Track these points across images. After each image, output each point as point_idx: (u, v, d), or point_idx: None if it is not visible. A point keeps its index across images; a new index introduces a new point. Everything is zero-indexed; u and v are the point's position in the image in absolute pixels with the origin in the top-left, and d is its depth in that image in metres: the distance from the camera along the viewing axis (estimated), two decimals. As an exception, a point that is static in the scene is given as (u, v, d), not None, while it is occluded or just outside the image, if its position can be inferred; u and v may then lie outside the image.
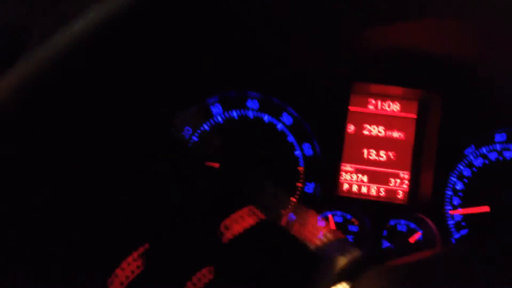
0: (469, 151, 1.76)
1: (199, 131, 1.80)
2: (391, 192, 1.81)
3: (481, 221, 1.74)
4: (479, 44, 1.55)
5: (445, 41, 1.58)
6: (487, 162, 1.76)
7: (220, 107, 1.80)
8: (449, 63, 1.67)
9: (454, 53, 1.63)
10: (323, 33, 1.64)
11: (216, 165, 1.78)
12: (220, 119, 1.80)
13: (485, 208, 1.72)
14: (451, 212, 1.75)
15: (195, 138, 1.80)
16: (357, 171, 1.82)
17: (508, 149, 1.75)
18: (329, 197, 1.76)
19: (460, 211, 1.74)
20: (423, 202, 1.73)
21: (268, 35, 1.66)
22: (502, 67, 1.63)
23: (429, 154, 1.73)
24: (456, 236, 1.75)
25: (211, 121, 1.80)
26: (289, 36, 1.67)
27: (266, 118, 1.80)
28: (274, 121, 1.80)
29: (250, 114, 1.80)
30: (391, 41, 1.63)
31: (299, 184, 1.79)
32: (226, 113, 1.80)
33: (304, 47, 1.74)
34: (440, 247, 1.69)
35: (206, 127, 1.80)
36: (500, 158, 1.75)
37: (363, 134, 1.82)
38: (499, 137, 1.75)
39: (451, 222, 1.75)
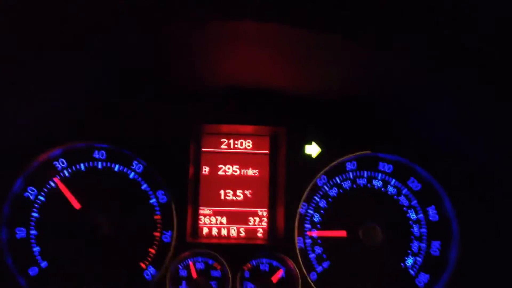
0: (322, 182, 1.75)
1: (45, 190, 1.70)
2: (251, 232, 1.77)
3: (340, 251, 1.72)
4: (319, 79, 1.56)
5: (284, 76, 1.58)
6: (341, 191, 1.76)
7: (65, 161, 1.71)
8: (291, 99, 1.67)
9: (296, 88, 1.64)
10: (167, 78, 1.61)
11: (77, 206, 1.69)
12: (67, 173, 1.71)
13: (342, 233, 1.71)
14: (308, 233, 1.73)
15: (42, 198, 1.69)
16: (216, 213, 1.77)
17: (361, 177, 1.76)
18: (187, 243, 1.70)
19: (317, 232, 1.73)
20: (281, 239, 1.70)
21: (114, 86, 1.62)
22: (342, 99, 1.65)
23: (282, 189, 1.71)
24: (319, 269, 1.72)
25: (57, 176, 1.70)
26: (132, 85, 1.62)
27: (116, 167, 1.73)
28: (125, 170, 1.73)
29: (99, 165, 1.73)
30: (234, 80, 1.61)
31: (157, 234, 1.71)
32: (73, 167, 1.71)
33: (150, 94, 1.70)
34: (300, 284, 1.66)
35: (52, 184, 1.70)
36: (354, 185, 1.76)
37: (218, 174, 1.78)
38: (350, 165, 1.76)
39: (311, 255, 1.73)
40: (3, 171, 1.62)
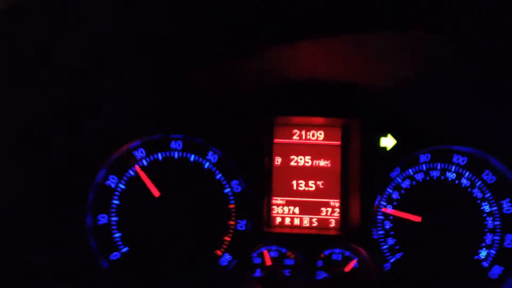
0: (395, 174, 1.76)
1: (125, 178, 1.76)
2: (324, 222, 1.80)
3: (414, 243, 1.73)
4: (392, 73, 1.56)
5: (361, 71, 1.59)
6: (414, 183, 1.76)
7: (144, 151, 1.77)
8: (366, 91, 1.67)
9: (368, 81, 1.64)
10: (242, 72, 1.63)
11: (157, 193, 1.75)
12: (145, 162, 1.77)
13: (417, 218, 1.72)
14: (383, 209, 1.74)
15: (122, 186, 1.76)
16: (288, 203, 1.81)
17: (434, 169, 1.76)
18: (263, 233, 1.74)
19: (393, 211, 1.74)
20: (354, 230, 1.72)
21: (185, 76, 1.66)
22: (417, 93, 1.64)
23: (355, 180, 1.73)
24: (391, 260, 1.74)
25: (137, 164, 1.77)
26: (207, 75, 1.66)
27: (191, 157, 1.78)
28: (200, 159, 1.78)
29: (175, 155, 1.78)
30: (307, 72, 1.63)
31: (231, 222, 1.76)
32: (151, 156, 1.77)
33: (224, 85, 1.73)
34: (375, 273, 1.68)
35: (131, 172, 1.77)
36: (427, 178, 1.76)
37: (290, 165, 1.81)
38: (423, 157, 1.76)
39: (384, 246, 1.75)
40: (88, 162, 1.69)
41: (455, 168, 1.76)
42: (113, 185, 1.75)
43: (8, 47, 1.21)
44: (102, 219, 1.74)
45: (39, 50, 1.27)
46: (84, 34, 1.28)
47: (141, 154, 1.77)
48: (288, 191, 1.81)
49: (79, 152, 1.67)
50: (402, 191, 1.76)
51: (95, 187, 1.72)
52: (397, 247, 1.74)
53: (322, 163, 1.81)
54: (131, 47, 1.42)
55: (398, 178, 1.76)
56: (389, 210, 1.74)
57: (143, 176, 1.74)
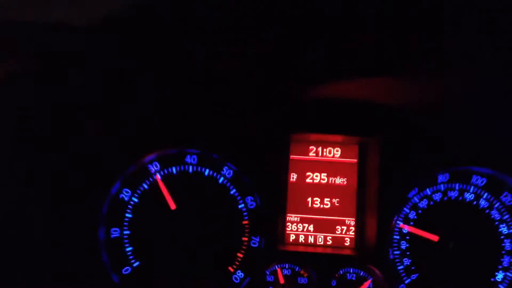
0: (413, 193, 1.73)
1: (138, 192, 1.74)
2: (338, 240, 1.78)
3: (430, 264, 1.71)
4: (411, 92, 1.54)
5: (379, 90, 1.57)
6: (431, 203, 1.73)
7: (158, 165, 1.75)
8: (384, 109, 1.66)
9: (388, 100, 1.62)
10: (260, 87, 1.62)
11: (173, 206, 1.73)
12: (159, 176, 1.75)
13: (434, 237, 1.69)
14: (401, 225, 1.72)
15: (135, 200, 1.74)
16: (303, 220, 1.79)
17: (452, 189, 1.74)
18: (276, 250, 1.72)
19: (411, 228, 1.71)
20: (370, 249, 1.70)
21: (202, 91, 1.64)
22: (436, 112, 1.62)
23: (372, 199, 1.70)
24: (407, 281, 1.71)
25: (150, 179, 1.75)
26: (225, 92, 1.64)
27: (206, 172, 1.76)
28: (215, 174, 1.76)
29: (190, 169, 1.76)
30: (326, 91, 1.61)
31: (245, 239, 1.74)
32: (165, 170, 1.75)
33: (241, 103, 1.71)
34: (389, 295, 1.66)
35: (145, 186, 1.75)
36: (445, 198, 1.73)
37: (306, 182, 1.79)
38: (442, 177, 1.73)
39: (400, 267, 1.72)
40: (103, 175, 1.68)
41: (474, 189, 1.73)
42: (126, 198, 1.73)
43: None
44: (115, 232, 1.72)
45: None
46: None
47: (156, 168, 1.75)
48: (303, 208, 1.78)
49: (95, 165, 1.66)
50: (419, 211, 1.73)
51: (109, 200, 1.71)
52: (413, 267, 1.72)
53: (338, 180, 1.78)
54: (146, 59, 1.41)
55: (415, 198, 1.73)
56: (407, 227, 1.71)
57: (163, 187, 1.71)
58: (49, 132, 1.59)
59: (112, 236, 1.72)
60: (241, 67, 1.42)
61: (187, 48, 1.34)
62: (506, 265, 1.71)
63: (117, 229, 1.73)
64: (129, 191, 1.74)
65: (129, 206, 1.74)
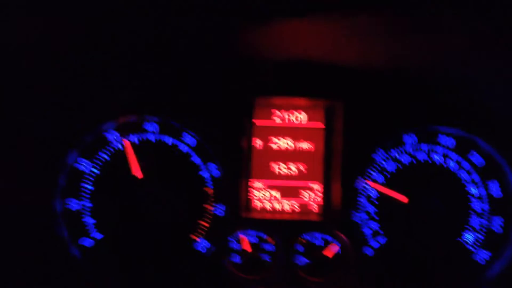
0: (380, 156, 1.69)
1: (99, 163, 1.69)
2: (305, 206, 1.74)
3: (398, 227, 1.68)
4: (377, 52, 1.49)
5: (345, 52, 1.51)
6: (399, 165, 1.69)
7: (117, 133, 1.70)
8: (350, 71, 1.60)
9: (353, 61, 1.57)
10: (217, 50, 1.56)
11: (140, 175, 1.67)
12: (119, 145, 1.70)
13: (404, 198, 1.65)
14: (371, 184, 1.67)
15: (95, 171, 1.69)
16: (268, 187, 1.74)
17: (420, 150, 1.70)
18: (241, 218, 1.68)
19: (380, 187, 1.67)
20: (336, 213, 1.66)
21: (163, 56, 1.58)
22: (402, 72, 1.57)
23: (337, 163, 1.66)
24: (375, 245, 1.68)
25: (109, 148, 1.69)
26: (184, 55, 1.58)
27: (168, 140, 1.71)
28: (177, 143, 1.70)
29: (152, 138, 1.71)
30: (290, 52, 1.55)
31: (208, 207, 1.69)
32: (126, 139, 1.70)
33: (202, 65, 1.65)
34: (356, 259, 1.63)
35: (106, 156, 1.69)
36: (413, 160, 1.70)
37: (271, 148, 1.74)
38: (408, 139, 1.69)
39: (367, 231, 1.69)
40: (58, 145, 1.62)
41: (442, 149, 1.69)
42: (86, 170, 1.68)
43: None
44: (76, 205, 1.67)
45: None
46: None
47: (115, 137, 1.69)
48: (269, 175, 1.74)
49: (49, 134, 1.60)
50: (388, 175, 1.69)
51: (67, 171, 1.65)
52: (381, 232, 1.68)
53: (304, 146, 1.74)
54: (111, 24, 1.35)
55: (381, 159, 1.69)
56: (376, 185, 1.67)
57: (130, 152, 1.66)
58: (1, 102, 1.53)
59: (73, 208, 1.67)
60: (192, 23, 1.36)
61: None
62: (476, 227, 1.68)
63: (77, 201, 1.68)
64: (89, 162, 1.68)
65: (90, 178, 1.69)
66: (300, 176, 1.74)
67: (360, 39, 1.43)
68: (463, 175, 1.68)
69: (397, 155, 1.70)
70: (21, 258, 1.55)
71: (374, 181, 1.69)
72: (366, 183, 1.68)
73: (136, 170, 1.66)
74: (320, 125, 1.74)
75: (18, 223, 1.56)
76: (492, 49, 1.37)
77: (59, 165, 1.63)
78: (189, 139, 1.70)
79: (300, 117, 1.74)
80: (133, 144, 1.70)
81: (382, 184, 1.69)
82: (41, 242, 1.60)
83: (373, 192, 1.69)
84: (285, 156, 1.74)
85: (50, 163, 1.61)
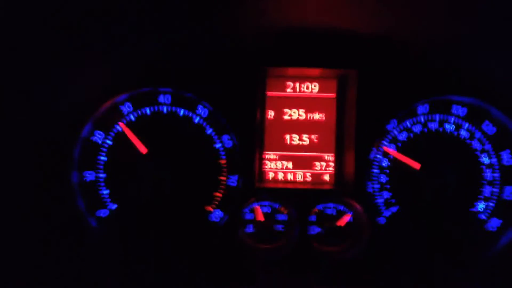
0: (392, 126, 1.70)
1: (112, 134, 1.70)
2: (318, 177, 1.75)
3: (410, 196, 1.69)
4: (390, 20, 1.47)
5: (356, 20, 1.50)
6: (411, 135, 1.70)
7: (131, 106, 1.70)
8: (362, 40, 1.59)
9: (366, 29, 1.55)
10: (229, 19, 1.54)
11: (144, 150, 1.68)
12: (132, 117, 1.70)
13: (417, 164, 1.66)
14: (385, 148, 1.69)
15: (109, 142, 1.70)
16: (281, 158, 1.75)
17: (432, 120, 1.70)
18: (255, 188, 1.69)
19: (394, 152, 1.68)
20: (349, 183, 1.67)
21: (173, 28, 1.57)
22: (416, 41, 1.56)
23: (350, 133, 1.67)
24: (387, 214, 1.70)
25: (123, 120, 1.70)
26: (195, 25, 1.57)
27: (181, 112, 1.71)
28: (190, 114, 1.71)
29: (164, 109, 1.71)
30: (301, 20, 1.54)
31: (222, 178, 1.71)
32: (138, 111, 1.70)
33: (214, 34, 1.64)
34: (370, 227, 1.65)
35: (119, 128, 1.70)
36: (425, 129, 1.70)
37: (283, 119, 1.75)
38: (421, 108, 1.69)
39: (380, 200, 1.70)
40: (72, 117, 1.62)
41: (454, 119, 1.69)
42: (99, 141, 1.69)
43: None
44: (90, 175, 1.69)
45: None
46: None
47: (128, 109, 1.70)
48: (281, 146, 1.75)
49: (63, 107, 1.60)
50: (399, 144, 1.70)
51: (81, 142, 1.66)
52: (393, 200, 1.70)
53: (316, 116, 1.74)
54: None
55: (395, 131, 1.70)
56: (390, 150, 1.68)
57: (128, 132, 1.67)
58: (15, 77, 1.52)
59: (87, 179, 1.69)
60: None
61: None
62: (487, 195, 1.69)
63: (91, 172, 1.69)
64: (102, 133, 1.69)
65: (103, 149, 1.70)
66: (313, 146, 1.75)
67: (372, 7, 1.41)
68: (475, 144, 1.69)
69: (409, 125, 1.70)
70: (40, 231, 1.57)
71: (386, 150, 1.70)
72: (379, 153, 1.69)
73: (140, 147, 1.67)
74: (332, 95, 1.73)
75: (36, 196, 1.58)
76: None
77: (75, 137, 1.63)
78: (202, 110, 1.70)
79: (312, 87, 1.74)
80: (145, 116, 1.70)
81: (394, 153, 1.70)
82: (60, 215, 1.61)
83: (385, 162, 1.70)
84: (298, 127, 1.75)
85: (66, 136, 1.62)
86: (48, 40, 1.48)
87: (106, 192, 1.70)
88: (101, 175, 1.69)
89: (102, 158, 1.70)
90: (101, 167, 1.69)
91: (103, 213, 1.69)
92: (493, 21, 1.39)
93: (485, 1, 1.30)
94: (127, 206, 1.70)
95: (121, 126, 1.69)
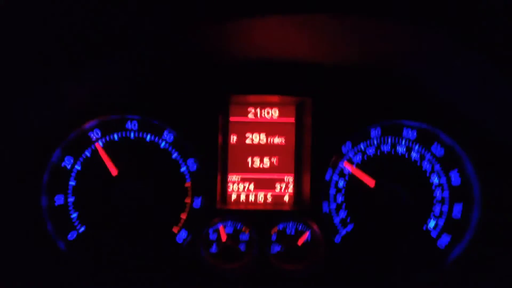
0: (347, 148, 1.80)
1: (81, 159, 1.78)
2: (278, 198, 1.84)
3: (364, 216, 1.79)
4: (345, 50, 1.59)
5: (314, 50, 1.61)
6: (366, 157, 1.80)
7: (99, 132, 1.78)
8: (316, 69, 1.71)
9: (321, 59, 1.67)
10: (197, 50, 1.64)
11: (115, 172, 1.76)
12: (100, 143, 1.78)
13: (371, 181, 1.76)
14: (345, 164, 1.78)
15: (78, 167, 1.77)
16: (243, 180, 1.84)
17: (385, 143, 1.81)
18: (218, 210, 1.77)
19: (351, 168, 1.78)
20: (306, 204, 1.77)
21: (139, 59, 1.66)
22: (367, 68, 1.68)
23: (307, 156, 1.77)
24: (343, 232, 1.79)
25: (92, 146, 1.78)
26: (161, 57, 1.66)
27: (147, 137, 1.80)
28: (156, 139, 1.80)
29: (131, 135, 1.79)
30: (261, 52, 1.65)
31: (187, 200, 1.79)
32: (106, 137, 1.79)
33: (179, 65, 1.74)
34: (325, 246, 1.74)
35: (87, 153, 1.78)
36: (378, 152, 1.80)
37: (246, 143, 1.84)
38: (374, 132, 1.80)
39: (336, 219, 1.79)
40: (42, 143, 1.70)
41: (405, 142, 1.80)
42: (68, 166, 1.77)
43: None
44: (59, 200, 1.76)
45: None
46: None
47: (97, 135, 1.78)
48: (244, 168, 1.84)
49: (34, 133, 1.68)
50: (354, 165, 1.80)
51: (50, 168, 1.74)
52: (348, 219, 1.79)
53: (276, 139, 1.84)
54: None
55: (350, 153, 1.80)
56: (349, 166, 1.78)
57: (103, 154, 1.75)
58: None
59: (56, 203, 1.75)
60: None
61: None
62: (437, 213, 1.79)
63: (60, 196, 1.76)
64: (72, 159, 1.77)
65: (72, 174, 1.77)
66: (273, 168, 1.84)
67: (324, 39, 1.52)
68: (425, 165, 1.79)
69: (363, 147, 1.81)
70: (8, 255, 1.63)
71: (341, 172, 1.80)
72: (335, 174, 1.79)
73: (111, 169, 1.75)
74: (291, 120, 1.84)
75: (4, 220, 1.64)
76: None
77: (44, 163, 1.71)
78: (167, 135, 1.79)
79: (272, 113, 1.84)
80: (112, 142, 1.78)
81: (349, 175, 1.80)
82: (29, 239, 1.67)
83: (341, 182, 1.80)
84: (259, 150, 1.84)
85: (35, 162, 1.69)
86: (17, 67, 1.56)
87: (74, 214, 1.76)
88: (70, 199, 1.76)
89: (71, 182, 1.77)
90: (70, 191, 1.77)
91: (71, 235, 1.76)
92: (439, 51, 1.51)
93: (430, 29, 1.41)
94: (94, 228, 1.77)
95: (96, 147, 1.76)
